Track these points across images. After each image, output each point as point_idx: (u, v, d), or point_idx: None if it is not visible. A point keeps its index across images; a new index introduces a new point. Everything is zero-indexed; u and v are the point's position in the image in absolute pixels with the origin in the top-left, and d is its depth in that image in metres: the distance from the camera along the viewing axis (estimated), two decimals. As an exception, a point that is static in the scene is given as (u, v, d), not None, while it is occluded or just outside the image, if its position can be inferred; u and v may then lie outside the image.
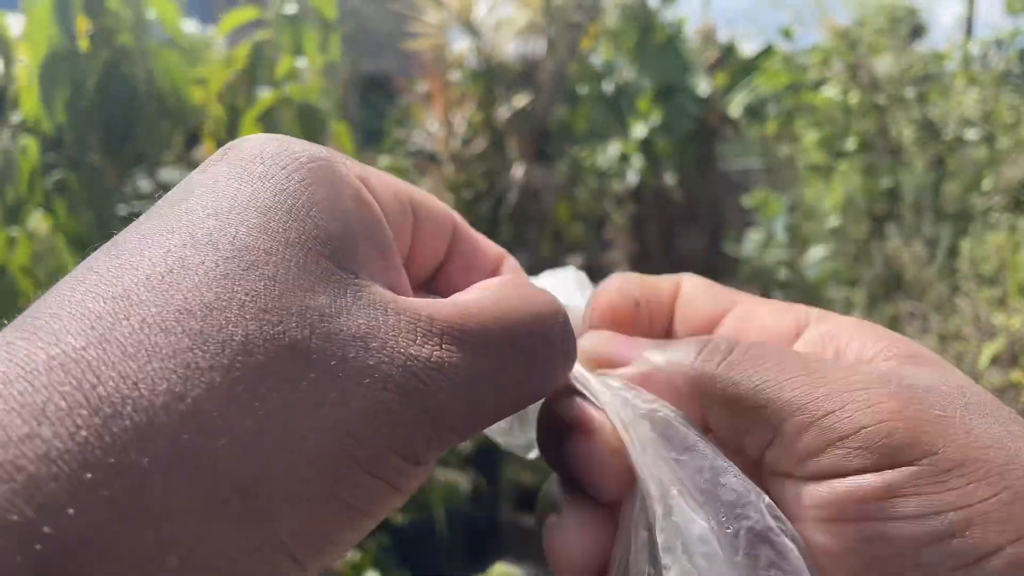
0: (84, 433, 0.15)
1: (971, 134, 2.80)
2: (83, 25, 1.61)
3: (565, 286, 0.32)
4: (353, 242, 0.20)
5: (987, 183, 2.68)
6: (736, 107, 3.94)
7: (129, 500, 0.15)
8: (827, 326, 0.25)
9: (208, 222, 0.19)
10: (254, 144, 0.22)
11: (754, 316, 0.27)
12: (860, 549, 0.19)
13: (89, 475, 0.15)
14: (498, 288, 0.23)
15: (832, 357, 0.24)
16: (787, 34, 3.72)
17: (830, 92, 3.12)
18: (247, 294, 0.18)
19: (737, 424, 0.22)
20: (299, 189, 0.20)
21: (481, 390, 0.20)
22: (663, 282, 0.30)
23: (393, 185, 0.24)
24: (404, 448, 0.19)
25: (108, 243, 0.20)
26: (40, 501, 0.14)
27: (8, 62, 1.70)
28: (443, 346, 0.20)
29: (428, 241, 0.26)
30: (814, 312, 0.26)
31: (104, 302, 0.17)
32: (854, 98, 3.01)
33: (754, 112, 3.94)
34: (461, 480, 2.63)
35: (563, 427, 0.25)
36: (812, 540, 0.20)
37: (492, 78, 3.97)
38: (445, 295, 0.26)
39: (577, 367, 0.26)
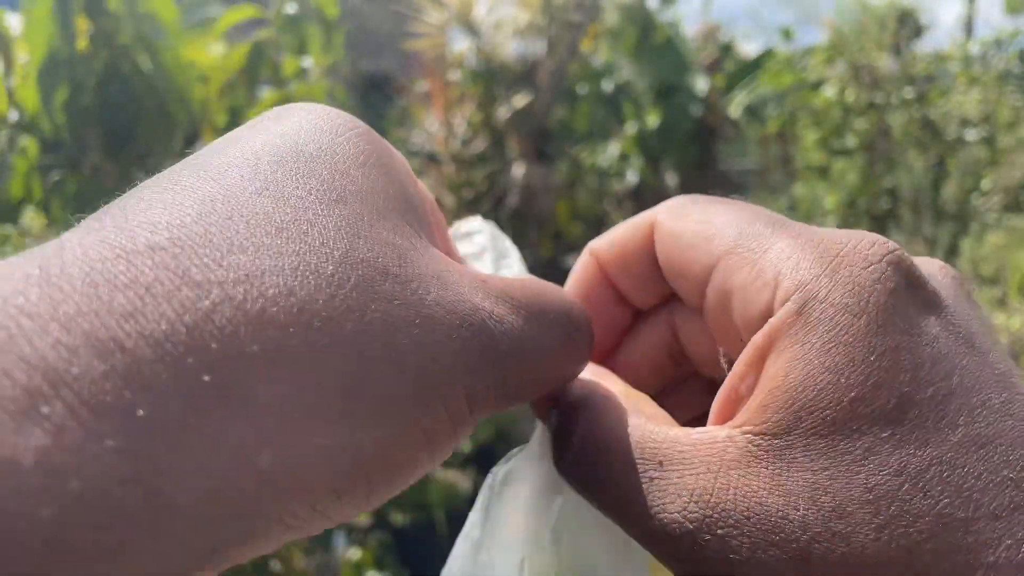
0: (189, 317, 0.14)
1: (971, 134, 2.80)
2: (83, 25, 1.61)
3: (477, 239, 0.31)
4: (416, 207, 0.22)
5: (987, 183, 2.68)
6: (736, 107, 3.94)
7: (232, 388, 0.14)
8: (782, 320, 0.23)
9: (294, 160, 0.20)
10: (313, 107, 0.22)
11: (732, 290, 0.24)
12: None
13: (191, 360, 0.14)
14: (533, 280, 0.24)
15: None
16: (787, 34, 3.72)
17: (829, 91, 3.12)
18: (342, 219, 0.18)
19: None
20: (369, 149, 0.21)
21: (531, 353, 0.21)
22: (635, 229, 0.28)
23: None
24: (470, 389, 0.19)
25: (190, 159, 0.20)
26: (139, 382, 0.13)
27: (8, 62, 1.70)
28: (500, 304, 0.21)
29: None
30: (781, 291, 0.22)
31: (206, 203, 0.17)
32: (851, 96, 3.02)
33: (754, 112, 3.94)
34: (461, 480, 2.63)
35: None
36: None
37: (492, 78, 3.97)
38: None
39: None
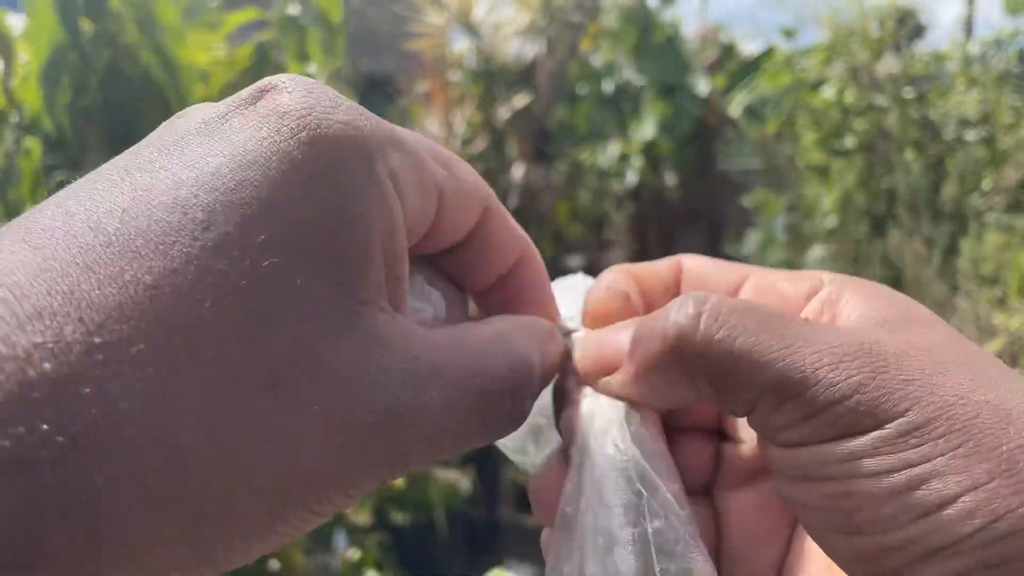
0: None
1: (971, 135, 2.81)
2: (85, 25, 1.61)
3: (573, 294, 0.31)
4: (363, 258, 0.19)
5: (987, 183, 2.68)
6: (736, 107, 3.95)
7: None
8: (833, 287, 0.26)
9: (205, 197, 0.17)
10: (289, 101, 0.20)
11: (771, 286, 0.27)
12: (828, 504, 0.21)
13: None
14: (486, 336, 0.24)
15: (827, 321, 0.26)
16: (789, 34, 3.72)
17: (829, 91, 3.12)
18: (236, 306, 0.17)
19: (716, 389, 0.24)
20: (317, 187, 0.19)
21: (442, 441, 0.21)
22: (660, 265, 0.30)
23: (420, 172, 0.22)
24: (352, 487, 0.19)
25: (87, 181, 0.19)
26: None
27: (10, 62, 1.70)
28: (426, 391, 0.20)
29: (450, 221, 0.25)
30: (827, 276, 0.27)
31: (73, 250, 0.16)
32: (850, 97, 3.02)
33: (754, 112, 3.94)
34: (461, 480, 2.63)
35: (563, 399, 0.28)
36: (786, 494, 0.23)
37: (492, 78, 3.97)
38: (456, 273, 0.27)
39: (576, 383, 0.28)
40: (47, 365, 0.14)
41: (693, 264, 0.29)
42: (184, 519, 0.16)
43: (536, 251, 0.28)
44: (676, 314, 0.24)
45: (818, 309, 0.26)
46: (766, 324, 0.22)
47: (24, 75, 1.67)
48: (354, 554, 2.37)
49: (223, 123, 0.19)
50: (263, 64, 1.82)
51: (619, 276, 0.29)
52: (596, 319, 0.29)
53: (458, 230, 0.26)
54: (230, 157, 0.18)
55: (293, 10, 1.84)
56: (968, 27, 3.44)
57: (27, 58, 1.66)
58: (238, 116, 0.19)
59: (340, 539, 2.54)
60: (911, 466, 0.20)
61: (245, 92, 0.20)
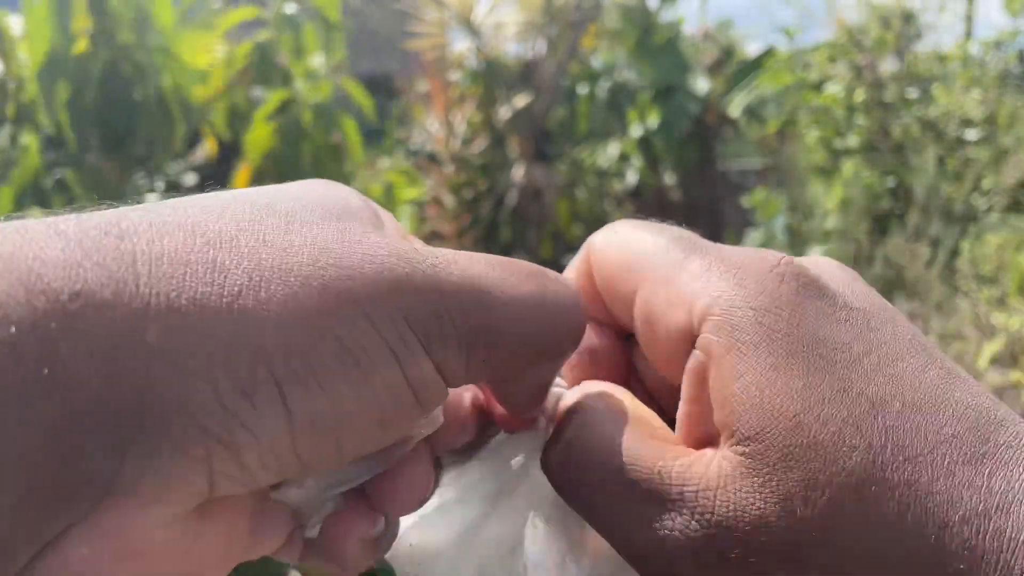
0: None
1: (972, 134, 2.80)
2: (84, 24, 1.61)
3: None
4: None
5: (988, 183, 2.68)
6: (736, 107, 3.94)
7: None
8: (709, 355, 0.23)
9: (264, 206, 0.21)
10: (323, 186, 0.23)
11: (649, 312, 0.25)
12: None
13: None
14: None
15: (702, 414, 0.24)
16: (788, 34, 3.72)
17: (834, 89, 3.12)
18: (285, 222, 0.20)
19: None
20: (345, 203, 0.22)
21: (493, 294, 0.21)
22: (579, 265, 0.28)
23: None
24: (408, 314, 0.19)
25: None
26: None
27: (9, 61, 1.70)
28: (454, 255, 0.21)
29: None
30: (709, 325, 0.22)
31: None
32: (860, 96, 3.02)
33: (754, 112, 3.94)
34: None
35: None
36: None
37: (492, 78, 3.97)
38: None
39: None
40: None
41: (601, 259, 0.27)
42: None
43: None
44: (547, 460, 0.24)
45: (696, 391, 0.23)
46: (618, 495, 0.22)
47: (22, 74, 1.67)
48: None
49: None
50: (261, 62, 1.82)
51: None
52: (573, 367, 0.28)
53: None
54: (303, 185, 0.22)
55: (290, 8, 1.84)
56: (968, 27, 3.44)
57: (26, 58, 1.66)
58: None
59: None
60: None
61: None
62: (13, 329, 0.15)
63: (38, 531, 0.16)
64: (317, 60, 1.84)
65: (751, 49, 4.23)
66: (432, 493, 0.25)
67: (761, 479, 0.20)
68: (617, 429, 0.23)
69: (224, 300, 0.17)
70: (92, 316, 0.16)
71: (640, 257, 0.25)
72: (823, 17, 3.21)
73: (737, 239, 3.62)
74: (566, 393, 0.27)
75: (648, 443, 0.23)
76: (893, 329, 0.22)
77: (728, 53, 4.22)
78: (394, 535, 0.25)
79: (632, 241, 0.26)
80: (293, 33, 1.83)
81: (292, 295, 0.18)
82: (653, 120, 3.91)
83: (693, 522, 0.20)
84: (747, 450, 0.20)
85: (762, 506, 0.20)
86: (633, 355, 0.28)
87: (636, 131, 3.93)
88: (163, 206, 0.19)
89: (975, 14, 3.29)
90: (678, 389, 0.24)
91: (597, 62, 4.20)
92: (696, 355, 0.22)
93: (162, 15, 1.68)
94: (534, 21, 3.96)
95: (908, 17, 3.04)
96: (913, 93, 2.94)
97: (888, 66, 3.05)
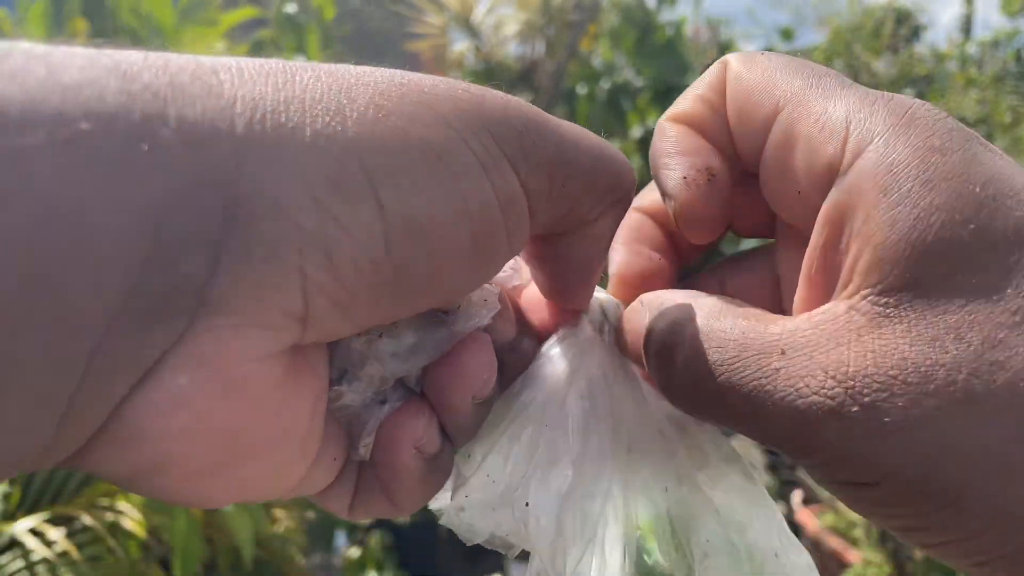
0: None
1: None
2: (81, 26, 1.61)
3: None
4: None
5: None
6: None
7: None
8: (846, 192, 0.21)
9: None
10: None
11: (794, 145, 0.23)
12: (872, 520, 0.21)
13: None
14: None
15: (835, 264, 0.22)
16: (787, 34, 3.72)
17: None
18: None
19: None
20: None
21: (563, 130, 0.21)
22: (705, 92, 0.26)
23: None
24: (494, 129, 0.19)
25: None
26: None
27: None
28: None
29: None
30: (852, 140, 0.21)
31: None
32: None
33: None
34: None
35: None
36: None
37: (492, 78, 3.97)
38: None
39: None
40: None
41: (740, 75, 0.25)
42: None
43: (611, 218, 0.25)
44: (651, 366, 0.23)
45: (834, 235, 0.21)
46: (738, 369, 0.21)
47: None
48: (355, 553, 2.37)
49: None
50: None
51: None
52: (625, 284, 0.27)
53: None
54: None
55: (290, 8, 1.84)
56: (967, 27, 3.44)
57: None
58: None
59: (340, 539, 2.54)
60: (913, 530, 0.19)
61: None
62: (109, 103, 0.15)
63: (135, 351, 0.15)
64: (311, 58, 1.85)
65: (749, 49, 4.22)
66: (491, 388, 0.24)
67: (905, 325, 0.19)
68: (722, 321, 0.22)
69: (307, 102, 0.17)
70: (182, 105, 0.15)
71: (790, 77, 0.23)
72: (815, 20, 3.21)
73: (736, 239, 3.61)
74: (613, 301, 0.27)
75: (758, 321, 0.22)
76: None
77: (725, 52, 4.22)
78: (449, 465, 0.24)
79: (781, 63, 0.24)
80: (293, 32, 1.84)
81: (375, 102, 0.18)
82: (653, 120, 3.90)
83: (829, 380, 0.19)
84: (891, 299, 0.19)
85: (907, 350, 0.19)
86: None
87: (636, 131, 3.93)
88: None
89: (974, 14, 3.29)
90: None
91: (597, 62, 4.20)
92: (838, 195, 0.21)
93: (162, 15, 1.68)
94: (534, 21, 3.96)
95: (902, 17, 3.04)
96: (910, 93, 2.95)
97: (885, 67, 3.05)
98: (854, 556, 1.97)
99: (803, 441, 0.20)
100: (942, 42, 3.64)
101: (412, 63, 4.54)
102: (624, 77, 4.01)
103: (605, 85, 3.99)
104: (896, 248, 0.19)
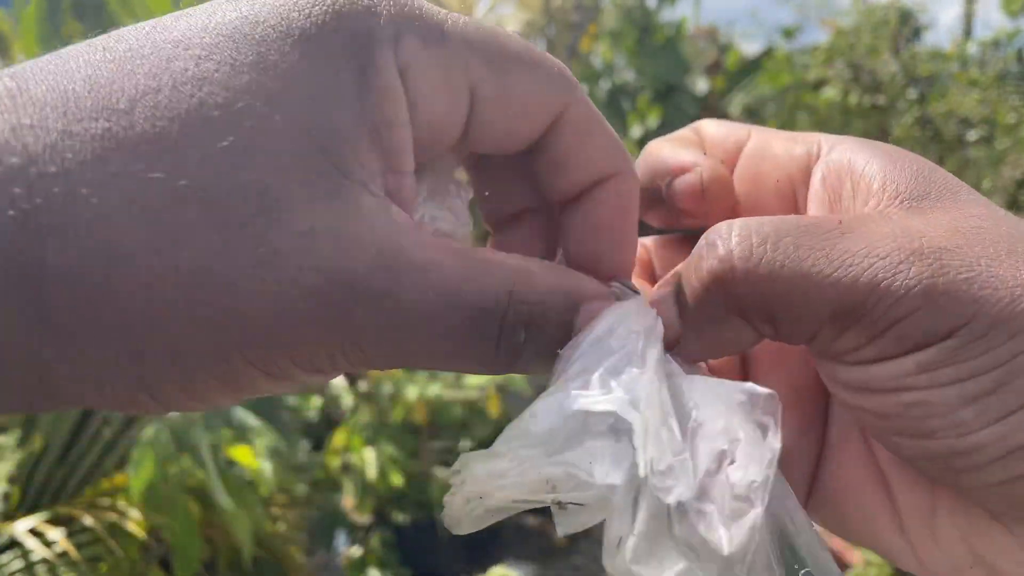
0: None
1: (971, 135, 2.80)
2: (77, 27, 1.61)
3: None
4: (347, 136, 0.20)
5: (987, 183, 2.68)
6: (736, 107, 3.94)
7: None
8: (838, 156, 0.26)
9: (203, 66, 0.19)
10: None
11: (767, 150, 0.28)
12: (899, 412, 0.21)
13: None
14: (496, 257, 0.22)
15: (848, 197, 0.25)
16: (788, 34, 3.72)
17: (830, 92, 3.12)
18: (196, 122, 0.18)
19: (772, 324, 0.22)
20: (315, 58, 0.20)
21: (407, 341, 0.20)
22: (685, 135, 0.30)
23: (447, 70, 0.21)
24: (297, 352, 0.19)
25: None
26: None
27: (6, 60, 1.70)
28: (400, 281, 0.20)
29: (495, 127, 0.23)
30: (825, 141, 0.26)
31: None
32: (854, 99, 3.02)
33: (753, 112, 3.94)
34: (461, 479, 2.62)
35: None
36: (850, 403, 0.22)
37: (492, 78, 3.97)
38: (530, 180, 0.26)
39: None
40: (29, 140, 0.17)
41: (710, 129, 0.30)
42: (118, 320, 0.17)
43: (632, 174, 0.26)
44: (710, 255, 0.22)
45: (831, 182, 0.25)
46: (805, 243, 0.21)
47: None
48: (355, 552, 2.37)
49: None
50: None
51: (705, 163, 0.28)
52: (717, 198, 0.28)
53: (512, 137, 0.24)
54: (246, 13, 0.20)
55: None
56: (968, 27, 3.44)
57: (23, 59, 1.66)
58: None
59: (341, 538, 2.55)
60: (987, 371, 0.19)
61: None
62: None
63: None
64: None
65: (749, 49, 4.22)
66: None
67: (936, 214, 0.22)
68: (786, 220, 0.22)
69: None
70: None
71: (755, 126, 0.29)
72: (818, 19, 3.20)
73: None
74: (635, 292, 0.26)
75: (814, 216, 0.24)
76: None
77: (725, 52, 4.22)
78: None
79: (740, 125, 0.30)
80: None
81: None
82: (653, 120, 3.90)
83: (900, 238, 0.21)
84: (913, 204, 0.23)
85: (948, 222, 0.22)
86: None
87: (636, 131, 3.92)
88: None
89: (974, 14, 3.29)
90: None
91: (597, 62, 4.20)
92: (830, 163, 0.25)
93: (161, 12, 1.68)
94: (534, 21, 3.96)
95: (905, 17, 3.04)
96: (912, 93, 2.94)
97: (886, 66, 3.05)
98: (855, 556, 1.97)
99: (884, 291, 0.20)
100: (942, 42, 3.64)
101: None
102: (624, 77, 4.01)
103: (605, 85, 3.99)
104: (899, 175, 0.23)
